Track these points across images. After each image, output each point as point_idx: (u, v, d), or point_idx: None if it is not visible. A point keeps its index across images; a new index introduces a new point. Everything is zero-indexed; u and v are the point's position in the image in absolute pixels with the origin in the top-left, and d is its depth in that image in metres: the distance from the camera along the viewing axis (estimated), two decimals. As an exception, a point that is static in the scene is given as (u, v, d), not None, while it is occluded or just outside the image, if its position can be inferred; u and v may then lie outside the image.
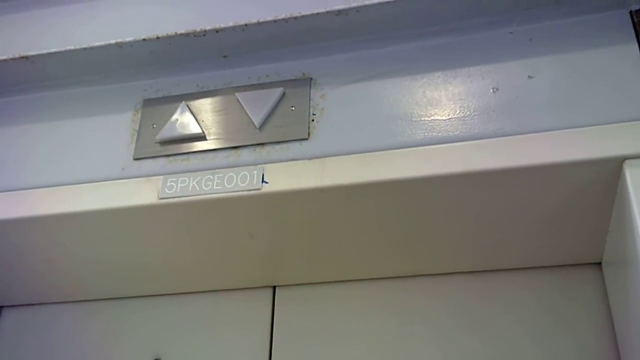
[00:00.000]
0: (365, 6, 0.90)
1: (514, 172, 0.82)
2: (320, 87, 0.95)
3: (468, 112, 0.87)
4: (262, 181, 0.88)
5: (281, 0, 0.95)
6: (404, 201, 0.87)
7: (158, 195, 0.91)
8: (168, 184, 0.91)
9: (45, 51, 1.00)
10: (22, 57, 1.01)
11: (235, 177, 0.90)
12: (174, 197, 0.90)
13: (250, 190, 0.88)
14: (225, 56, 1.00)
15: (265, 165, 0.90)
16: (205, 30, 0.95)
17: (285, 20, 0.93)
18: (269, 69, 0.99)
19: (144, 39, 0.97)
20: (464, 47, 0.92)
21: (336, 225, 0.91)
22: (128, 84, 1.03)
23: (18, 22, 1.07)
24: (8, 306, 1.18)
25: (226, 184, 0.89)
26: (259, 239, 0.96)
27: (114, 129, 1.00)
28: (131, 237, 0.96)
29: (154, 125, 0.98)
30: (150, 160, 0.96)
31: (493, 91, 0.88)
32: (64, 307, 1.14)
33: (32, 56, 1.00)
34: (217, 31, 0.95)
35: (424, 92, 0.90)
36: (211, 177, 0.91)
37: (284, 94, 0.95)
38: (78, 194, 0.94)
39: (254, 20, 0.94)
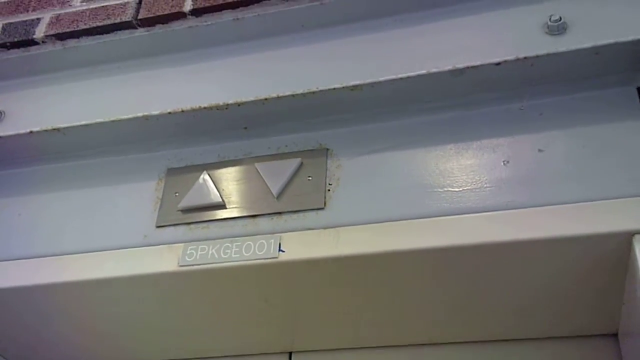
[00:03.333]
0: (379, 82, 0.94)
1: (526, 245, 0.83)
2: (336, 157, 0.99)
3: (480, 184, 0.89)
4: (279, 250, 0.91)
5: (299, 76, 0.99)
6: (418, 271, 0.89)
7: (178, 263, 0.93)
8: (188, 252, 0.94)
9: (76, 123, 1.05)
10: (54, 129, 1.06)
11: (253, 245, 0.92)
12: (193, 265, 0.93)
13: (267, 258, 0.91)
14: (245, 128, 1.04)
15: (282, 234, 0.92)
16: (227, 104, 0.99)
17: (304, 94, 0.97)
18: (287, 139, 1.03)
19: (169, 112, 1.01)
20: (475, 120, 0.95)
21: (352, 292, 0.93)
22: (153, 154, 1.08)
23: (50, 94, 1.12)
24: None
25: (244, 252, 0.92)
26: (275, 305, 0.98)
27: (138, 197, 1.04)
28: (152, 302, 0.99)
29: (177, 194, 1.02)
30: (172, 228, 0.99)
31: (504, 164, 0.90)
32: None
33: (64, 128, 1.05)
34: (238, 104, 0.99)
35: (436, 164, 0.93)
36: (230, 245, 0.93)
37: (301, 164, 0.99)
38: (102, 261, 0.97)
39: (274, 95, 0.97)
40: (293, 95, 0.98)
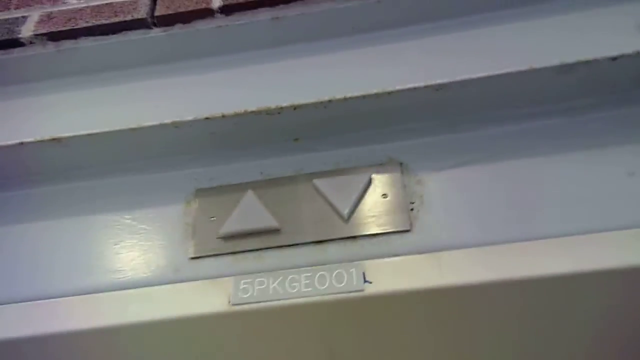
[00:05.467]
0: (472, 80, 0.79)
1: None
2: (413, 172, 0.82)
3: (599, 200, 0.74)
4: (364, 280, 0.71)
5: (360, 79, 0.83)
6: (545, 300, 0.71)
7: (229, 301, 0.72)
8: (242, 287, 0.73)
9: (79, 133, 0.84)
10: (53, 140, 0.84)
11: (327, 276, 0.73)
12: (250, 303, 0.72)
13: (350, 292, 0.71)
14: (296, 139, 0.86)
15: (364, 262, 0.73)
16: (281, 107, 0.81)
17: (377, 95, 0.80)
18: (347, 153, 0.86)
19: (206, 118, 0.82)
20: (587, 127, 0.80)
21: (448, 330, 0.74)
22: (177, 172, 0.87)
23: (45, 103, 0.90)
24: None
25: (317, 285, 0.72)
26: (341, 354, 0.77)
27: (161, 224, 0.83)
28: (193, 351, 0.76)
29: (213, 218, 0.81)
30: (211, 259, 0.79)
31: (629, 176, 0.76)
32: None
33: (65, 138, 0.84)
34: (294, 108, 0.81)
35: (537, 178, 0.78)
36: (296, 277, 0.73)
37: (370, 180, 0.81)
38: (124, 303, 0.74)
39: (339, 96, 0.80)
40: (363, 97, 0.80)
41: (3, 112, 0.90)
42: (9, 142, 0.84)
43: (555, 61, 0.78)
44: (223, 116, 0.82)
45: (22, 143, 0.84)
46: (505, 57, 0.80)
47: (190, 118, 0.83)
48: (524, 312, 0.72)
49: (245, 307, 0.72)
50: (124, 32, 0.94)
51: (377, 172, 0.82)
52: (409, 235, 0.76)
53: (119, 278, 0.78)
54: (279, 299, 0.72)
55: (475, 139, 0.82)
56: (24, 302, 0.79)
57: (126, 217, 0.84)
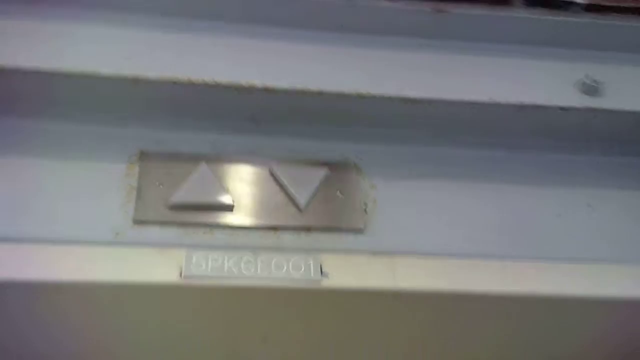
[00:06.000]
0: (440, 100, 0.82)
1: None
2: (368, 176, 0.83)
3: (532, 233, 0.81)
4: (321, 273, 0.72)
5: (344, 79, 0.84)
6: (478, 314, 0.76)
7: (181, 273, 0.69)
8: (194, 261, 0.70)
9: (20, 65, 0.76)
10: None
11: (285, 263, 0.72)
12: (203, 278, 0.69)
13: (306, 282, 0.71)
14: (255, 121, 0.84)
15: (320, 255, 0.73)
16: (252, 87, 0.79)
17: (350, 96, 0.81)
18: (305, 145, 0.85)
19: (172, 81, 0.77)
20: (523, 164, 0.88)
21: (395, 331, 0.77)
22: (123, 130, 0.81)
23: None
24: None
25: (273, 270, 0.71)
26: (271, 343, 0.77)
27: (103, 181, 0.77)
28: (129, 318, 0.71)
29: (160, 185, 0.77)
30: (157, 227, 0.74)
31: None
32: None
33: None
34: (266, 90, 0.80)
35: (480, 204, 0.83)
36: (252, 259, 0.71)
37: (327, 176, 0.81)
38: (62, 258, 0.68)
39: (314, 88, 0.80)
40: (337, 95, 0.81)
41: None
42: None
43: (513, 99, 0.84)
44: (190, 82, 0.78)
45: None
46: (471, 85, 0.85)
47: (153, 77, 0.78)
48: (468, 322, 0.76)
49: (198, 281, 0.68)
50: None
51: (333, 169, 0.82)
52: (362, 236, 0.77)
53: (52, 231, 0.71)
54: (234, 278, 0.69)
55: (431, 155, 0.86)
56: None
57: (62, 166, 0.77)
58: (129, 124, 0.81)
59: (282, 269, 0.71)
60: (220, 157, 0.81)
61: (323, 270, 0.72)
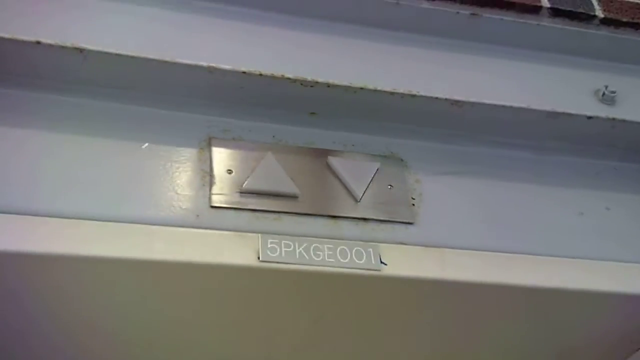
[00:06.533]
0: (483, 104, 0.90)
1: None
2: (413, 170, 0.91)
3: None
4: (381, 262, 0.79)
5: (387, 72, 0.91)
6: (512, 306, 0.85)
7: (258, 257, 0.75)
8: (269, 246, 0.77)
9: (107, 50, 0.79)
10: (75, 49, 0.78)
11: (348, 251, 0.79)
12: (278, 262, 0.76)
13: (368, 269, 0.79)
14: (313, 113, 0.90)
15: (379, 245, 0.81)
16: (316, 82, 0.85)
17: (403, 95, 0.88)
18: (355, 138, 0.92)
19: (243, 72, 0.83)
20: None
21: (444, 319, 0.86)
22: (194, 115, 0.86)
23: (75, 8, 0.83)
24: None
25: (339, 258, 0.79)
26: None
27: (178, 164, 0.82)
28: (210, 300, 0.78)
29: (230, 171, 0.83)
30: (232, 212, 0.80)
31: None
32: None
33: (90, 51, 0.79)
34: (327, 85, 0.86)
35: (518, 202, 0.92)
36: (320, 246, 0.79)
37: (378, 169, 0.89)
38: (148, 238, 0.73)
39: (371, 87, 0.87)
40: (391, 93, 0.88)
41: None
42: (24, 38, 0.77)
43: (546, 107, 0.92)
44: (260, 75, 0.84)
45: (39, 42, 0.77)
46: (507, 89, 0.93)
47: (227, 67, 0.83)
48: (511, 314, 0.86)
49: (273, 265, 0.75)
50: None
51: (384, 162, 0.89)
52: (413, 228, 0.85)
53: (132, 211, 0.76)
54: (305, 264, 0.76)
55: (472, 154, 0.94)
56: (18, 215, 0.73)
57: (137, 150, 0.81)
58: (198, 110, 0.86)
59: (347, 256, 0.79)
60: (283, 147, 0.87)
61: (383, 260, 0.79)
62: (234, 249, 0.75)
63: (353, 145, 0.91)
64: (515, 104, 0.92)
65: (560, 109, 0.93)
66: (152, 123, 0.84)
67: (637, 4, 1.10)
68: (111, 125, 0.82)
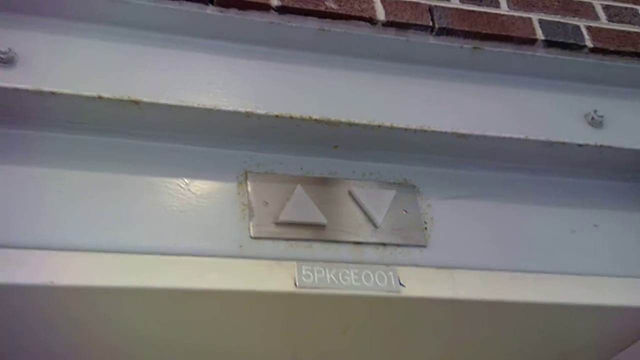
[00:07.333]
0: (484, 136, 1.02)
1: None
2: (424, 196, 1.02)
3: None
4: (400, 284, 0.92)
5: (399, 108, 1.02)
6: (517, 322, 0.98)
7: (295, 283, 0.87)
8: (304, 272, 0.89)
9: (158, 101, 0.90)
10: (132, 101, 0.88)
11: (372, 275, 0.91)
12: (312, 288, 0.88)
13: (389, 291, 0.91)
14: (335, 146, 1.01)
15: (397, 267, 0.93)
16: (339, 122, 0.96)
17: (415, 130, 0.99)
18: (372, 167, 1.03)
19: (276, 116, 0.93)
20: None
21: (453, 336, 0.98)
22: (231, 152, 0.97)
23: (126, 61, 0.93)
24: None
25: (364, 282, 0.91)
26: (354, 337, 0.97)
27: (220, 199, 0.93)
28: (255, 323, 0.90)
29: (266, 203, 0.94)
30: (270, 242, 0.92)
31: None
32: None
33: (144, 103, 0.89)
34: (349, 124, 0.97)
35: (521, 221, 1.04)
36: (347, 271, 0.91)
37: (395, 196, 1.00)
38: (201, 269, 0.85)
39: (387, 124, 0.98)
40: (405, 129, 0.99)
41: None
42: (85, 93, 0.87)
43: (542, 137, 1.04)
44: (291, 117, 0.94)
45: (100, 97, 0.87)
46: (507, 120, 1.05)
47: (261, 112, 0.93)
48: (517, 328, 0.99)
49: (309, 290, 0.87)
50: (181, 1, 0.99)
51: (399, 190, 1.01)
52: (426, 251, 0.97)
53: (182, 243, 0.87)
54: (335, 289, 0.89)
55: (477, 178, 1.06)
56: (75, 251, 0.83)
57: (183, 185, 0.92)
58: (235, 147, 0.97)
59: (370, 280, 0.91)
60: (310, 179, 0.98)
61: (402, 282, 0.92)
62: (273, 277, 0.87)
63: (371, 173, 1.02)
64: (515, 135, 1.03)
65: (554, 138, 1.04)
66: (195, 160, 0.95)
67: (623, 32, 1.21)
68: (155, 163, 0.92)
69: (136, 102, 0.88)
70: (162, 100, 0.89)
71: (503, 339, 1.03)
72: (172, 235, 0.88)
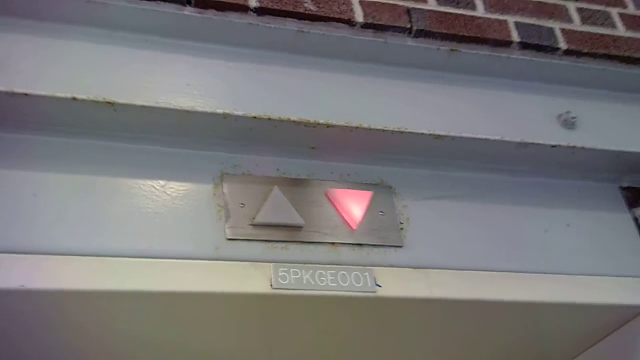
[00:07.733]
0: (462, 137, 1.03)
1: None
2: (400, 197, 1.03)
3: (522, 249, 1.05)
4: (376, 284, 0.92)
5: (380, 110, 1.03)
6: (494, 320, 0.99)
7: (271, 284, 0.88)
8: (280, 273, 0.89)
9: (134, 102, 0.89)
10: (107, 103, 0.88)
11: (347, 275, 0.92)
12: (288, 289, 0.88)
13: (365, 292, 0.91)
14: (313, 147, 1.01)
15: (373, 268, 0.94)
16: (317, 123, 0.97)
17: (393, 132, 1.00)
18: (350, 168, 1.03)
19: (254, 117, 0.94)
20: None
21: (428, 335, 0.99)
22: (207, 153, 0.97)
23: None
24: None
25: (341, 282, 0.91)
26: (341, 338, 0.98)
27: (196, 200, 0.93)
28: (230, 324, 0.90)
29: (242, 205, 0.94)
30: (245, 243, 0.92)
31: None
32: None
33: (119, 105, 0.89)
34: (327, 126, 0.97)
35: (498, 221, 1.05)
36: (323, 272, 0.91)
37: (372, 197, 1.01)
38: (176, 272, 0.85)
39: (365, 125, 0.98)
40: (382, 130, 1.00)
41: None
42: (60, 95, 0.86)
43: (516, 138, 1.05)
44: (269, 119, 0.95)
45: (74, 98, 0.87)
46: (482, 120, 1.06)
47: (239, 113, 0.93)
48: (493, 327, 1.00)
49: (285, 291, 0.88)
50: (158, 1, 0.98)
51: (375, 190, 1.02)
52: (402, 251, 0.98)
53: (157, 246, 0.87)
54: (311, 290, 0.89)
55: (453, 179, 1.07)
56: (43, 255, 0.83)
57: (159, 187, 0.92)
58: (211, 149, 0.97)
59: (346, 281, 0.92)
60: (286, 180, 0.99)
61: (377, 282, 0.92)
62: (249, 278, 0.87)
63: (348, 174, 1.03)
64: (490, 137, 1.04)
65: (528, 139, 1.05)
66: (171, 162, 0.95)
67: (596, 34, 1.22)
68: (131, 164, 0.92)
69: (111, 104, 0.88)
70: (138, 101, 0.89)
71: (479, 337, 1.04)
72: (147, 237, 0.88)
